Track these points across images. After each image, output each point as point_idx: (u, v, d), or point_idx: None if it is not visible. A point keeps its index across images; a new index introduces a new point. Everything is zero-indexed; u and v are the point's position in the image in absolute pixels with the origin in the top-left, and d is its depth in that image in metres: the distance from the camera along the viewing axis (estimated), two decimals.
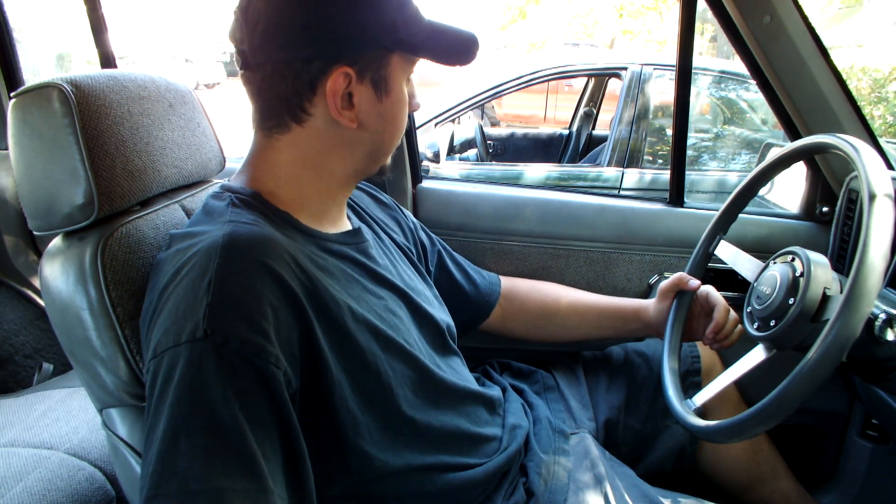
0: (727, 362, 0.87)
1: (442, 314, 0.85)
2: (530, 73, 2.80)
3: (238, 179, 0.72)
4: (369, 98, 0.67)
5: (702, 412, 0.80)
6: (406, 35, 0.66)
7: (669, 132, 2.69)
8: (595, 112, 3.64)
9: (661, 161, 2.87)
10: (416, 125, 1.36)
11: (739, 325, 0.91)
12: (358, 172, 0.73)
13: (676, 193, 1.30)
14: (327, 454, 0.61)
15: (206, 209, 0.69)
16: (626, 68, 2.80)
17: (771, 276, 0.79)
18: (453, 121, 3.29)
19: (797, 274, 0.75)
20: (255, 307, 0.55)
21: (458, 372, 0.83)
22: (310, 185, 0.70)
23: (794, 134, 1.17)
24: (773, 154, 0.89)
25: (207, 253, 0.57)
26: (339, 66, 0.63)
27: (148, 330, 0.58)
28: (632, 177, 2.72)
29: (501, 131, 4.19)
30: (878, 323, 0.71)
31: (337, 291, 0.65)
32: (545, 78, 2.87)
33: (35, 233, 0.71)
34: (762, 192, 1.32)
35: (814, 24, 1.06)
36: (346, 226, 0.77)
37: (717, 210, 0.97)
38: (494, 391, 0.90)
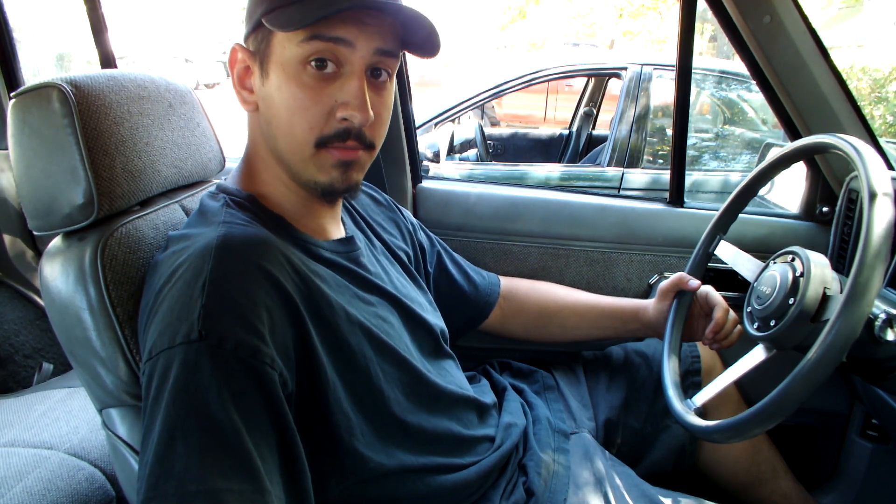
0: (727, 362, 0.87)
1: (435, 319, 0.85)
2: (531, 73, 2.80)
3: (233, 179, 0.72)
4: (258, 77, 0.65)
5: (702, 412, 0.80)
6: (274, 5, 0.61)
7: (669, 132, 2.69)
8: (595, 112, 3.64)
9: (661, 161, 2.87)
10: (416, 125, 1.35)
11: (739, 326, 0.91)
12: (297, 181, 0.67)
13: (676, 193, 1.30)
14: (322, 456, 0.61)
15: (201, 210, 0.69)
16: (626, 68, 2.80)
17: (771, 276, 0.79)
18: (453, 121, 3.29)
19: (797, 274, 0.75)
20: (250, 308, 0.55)
21: (451, 375, 0.83)
22: (286, 189, 0.69)
23: (794, 134, 1.17)
24: (773, 154, 0.89)
25: (202, 254, 0.57)
26: (239, 42, 0.66)
27: (144, 331, 0.58)
28: (632, 177, 2.71)
29: (501, 131, 4.19)
30: (878, 323, 0.71)
31: (330, 294, 0.65)
32: (545, 78, 2.87)
33: (35, 233, 0.71)
34: (762, 192, 1.32)
35: (814, 24, 1.06)
36: (340, 233, 0.76)
37: (717, 210, 0.97)
38: (487, 397, 0.90)
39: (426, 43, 0.65)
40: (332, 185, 0.66)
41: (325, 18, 0.58)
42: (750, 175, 0.92)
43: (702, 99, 3.23)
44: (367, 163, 0.68)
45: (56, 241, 0.70)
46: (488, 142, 3.63)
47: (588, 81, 3.70)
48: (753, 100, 3.17)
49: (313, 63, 0.61)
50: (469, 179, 2.58)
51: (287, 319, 0.58)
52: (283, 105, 0.62)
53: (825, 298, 0.71)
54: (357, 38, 0.61)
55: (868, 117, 1.30)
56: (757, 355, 0.78)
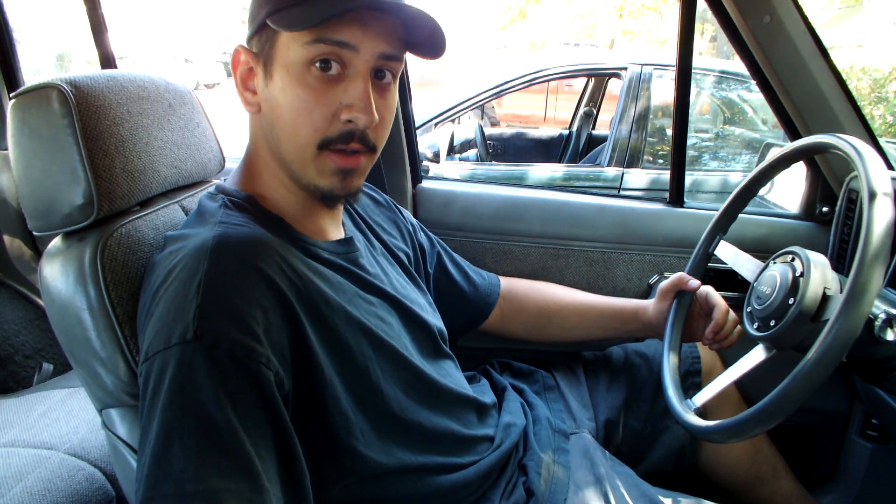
0: (727, 362, 0.87)
1: (434, 319, 0.85)
2: (531, 73, 2.80)
3: (233, 180, 0.72)
4: (261, 78, 0.64)
5: (702, 412, 0.80)
6: (278, 6, 0.60)
7: (669, 132, 2.69)
8: (595, 112, 3.64)
9: (661, 161, 2.87)
10: (417, 125, 1.35)
11: (739, 326, 0.91)
12: (297, 183, 0.67)
13: (676, 193, 1.30)
14: (321, 455, 0.61)
15: (199, 210, 0.69)
16: (626, 68, 2.80)
17: (771, 276, 0.79)
18: (453, 121, 3.29)
19: (797, 274, 0.75)
20: (244, 309, 0.55)
21: (450, 375, 0.83)
22: (285, 190, 0.69)
23: (794, 134, 1.17)
24: (773, 154, 0.89)
25: (197, 254, 0.57)
26: (242, 44, 0.66)
27: (142, 332, 0.59)
28: (632, 177, 2.71)
29: (501, 131, 4.19)
30: (878, 323, 0.71)
31: (329, 294, 0.65)
32: (545, 78, 2.87)
33: (35, 233, 0.71)
34: (762, 192, 1.32)
35: (814, 24, 1.06)
36: (339, 234, 0.76)
37: (717, 210, 0.97)
38: (486, 397, 0.90)
39: (430, 43, 0.65)
40: (332, 191, 0.66)
41: (331, 19, 0.58)
42: (750, 175, 0.92)
43: (702, 99, 3.23)
44: (367, 168, 0.68)
45: (56, 242, 0.70)
46: (488, 142, 3.63)
47: (588, 81, 3.70)
48: (753, 100, 3.17)
49: (318, 65, 0.61)
50: (469, 179, 2.58)
51: (282, 319, 0.58)
52: (288, 106, 0.62)
53: (825, 298, 0.71)
54: (361, 42, 0.61)
55: (868, 117, 1.30)
56: (757, 355, 0.78)
